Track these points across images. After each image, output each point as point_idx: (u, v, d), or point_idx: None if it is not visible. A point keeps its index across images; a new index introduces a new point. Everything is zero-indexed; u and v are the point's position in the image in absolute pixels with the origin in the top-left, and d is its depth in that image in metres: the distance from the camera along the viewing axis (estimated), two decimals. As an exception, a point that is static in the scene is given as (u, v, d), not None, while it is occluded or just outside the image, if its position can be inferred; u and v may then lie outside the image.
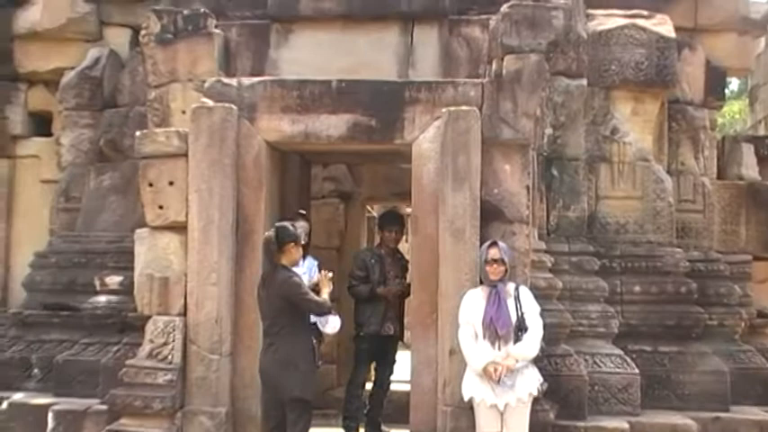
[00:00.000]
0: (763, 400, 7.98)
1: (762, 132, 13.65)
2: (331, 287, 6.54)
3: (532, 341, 6.32)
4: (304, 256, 7.07)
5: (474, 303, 6.43)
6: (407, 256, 7.87)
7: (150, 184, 7.02)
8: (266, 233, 6.47)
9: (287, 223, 6.56)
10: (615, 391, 7.39)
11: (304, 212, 7.89)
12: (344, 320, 7.07)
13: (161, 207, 6.99)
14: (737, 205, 8.84)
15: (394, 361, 8.15)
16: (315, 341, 6.46)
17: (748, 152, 9.20)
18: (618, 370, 7.45)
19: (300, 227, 6.82)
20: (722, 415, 7.53)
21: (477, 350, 6.22)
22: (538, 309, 6.49)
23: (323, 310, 6.39)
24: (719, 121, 26.47)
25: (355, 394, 7.93)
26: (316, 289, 6.45)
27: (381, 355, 8.04)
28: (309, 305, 6.27)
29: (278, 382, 6.31)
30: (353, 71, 7.47)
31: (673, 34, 8.30)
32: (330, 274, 6.58)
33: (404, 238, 8.57)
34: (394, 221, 8.18)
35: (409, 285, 7.81)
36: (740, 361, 8.09)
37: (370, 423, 7.94)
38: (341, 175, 10.19)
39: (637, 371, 7.46)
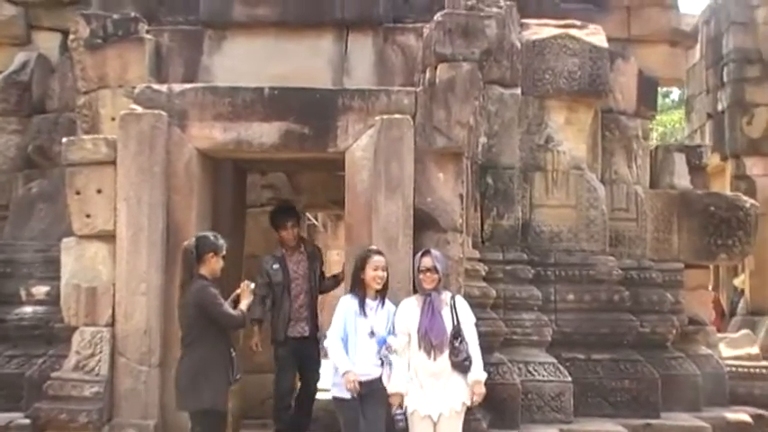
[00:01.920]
0: (693, 405, 8.09)
1: (698, 142, 13.93)
2: (251, 298, 6.45)
3: (479, 357, 6.33)
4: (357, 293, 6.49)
5: (409, 313, 6.40)
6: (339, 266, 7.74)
7: (77, 192, 6.88)
8: (186, 242, 6.38)
9: (209, 233, 6.48)
10: (548, 398, 7.43)
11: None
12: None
13: (88, 216, 6.85)
14: (670, 214, 8.93)
15: (317, 363, 7.78)
16: (233, 353, 6.38)
17: (680, 161, 9.31)
18: (551, 378, 7.49)
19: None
20: (653, 421, 7.62)
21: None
22: (473, 319, 6.49)
23: (234, 323, 6.30)
24: (660, 130, 27.08)
25: (282, 405, 7.60)
26: (238, 300, 6.36)
27: (301, 360, 7.65)
28: (221, 317, 6.18)
29: (187, 393, 6.23)
30: (288, 78, 7.40)
31: (605, 44, 8.39)
32: (252, 285, 6.51)
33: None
34: (287, 216, 7.77)
35: (323, 276, 7.89)
36: (671, 368, 8.18)
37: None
38: (279, 182, 10.08)
39: (569, 379, 7.50)
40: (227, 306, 6.21)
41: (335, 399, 6.45)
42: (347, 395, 6.29)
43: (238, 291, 6.40)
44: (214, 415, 6.20)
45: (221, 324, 6.19)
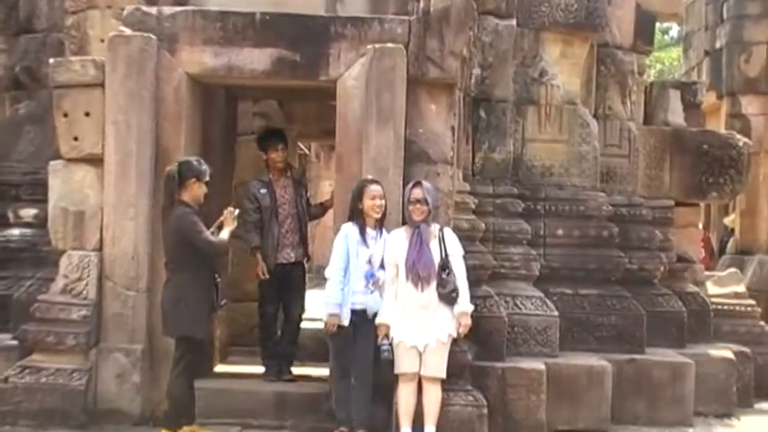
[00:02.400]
0: (678, 342, 8.15)
1: (695, 79, 13.80)
2: (234, 225, 6.44)
3: (466, 289, 6.38)
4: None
5: (397, 244, 6.42)
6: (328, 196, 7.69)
7: (65, 115, 6.82)
8: (168, 167, 6.34)
9: (192, 158, 6.43)
10: (534, 332, 7.47)
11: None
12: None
13: (76, 139, 6.81)
14: (662, 151, 8.87)
15: (301, 290, 7.72)
16: (217, 279, 6.39)
17: (675, 98, 9.22)
18: (538, 312, 7.52)
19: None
20: (637, 357, 7.67)
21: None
22: (461, 252, 6.52)
23: (215, 250, 6.29)
24: (657, 67, 26.86)
25: (268, 335, 7.61)
26: (222, 227, 6.35)
27: (286, 286, 7.58)
28: (201, 244, 6.17)
29: (168, 319, 6.29)
30: (280, 4, 7.24)
31: (603, -24, 8.24)
32: (236, 212, 6.49)
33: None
34: (277, 139, 7.70)
35: (309, 203, 7.86)
36: (658, 304, 8.22)
37: (282, 363, 7.53)
38: (271, 111, 10.00)
39: (556, 313, 7.54)
40: (207, 233, 6.20)
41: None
42: (341, 322, 6.33)
43: (222, 218, 6.39)
44: (194, 342, 6.25)
45: (202, 251, 6.19)
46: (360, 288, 6.36)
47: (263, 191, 7.50)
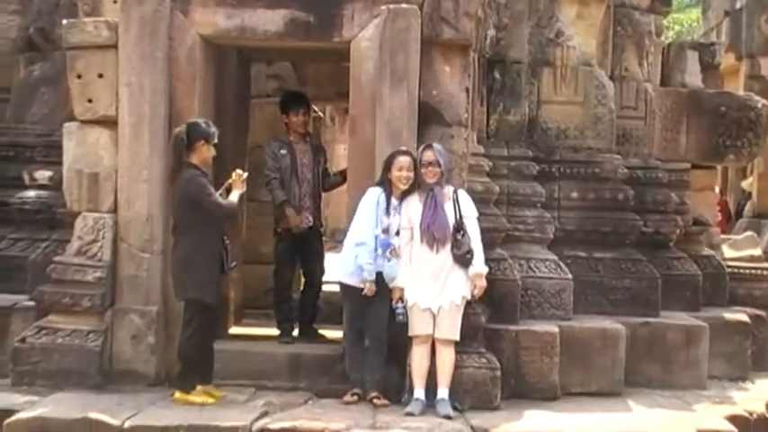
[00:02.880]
0: (692, 305, 8.13)
1: (714, 40, 13.65)
2: (243, 188, 6.45)
3: (480, 251, 6.39)
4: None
5: (411, 207, 6.42)
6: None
7: (78, 76, 6.80)
8: (176, 129, 6.34)
9: (200, 120, 6.43)
10: (548, 295, 7.45)
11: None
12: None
13: (90, 100, 6.79)
14: (679, 113, 8.78)
15: (320, 254, 7.74)
16: (226, 242, 6.41)
17: (693, 59, 9.13)
18: (551, 275, 7.50)
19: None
20: (651, 320, 7.65)
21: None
22: (476, 214, 6.51)
23: (223, 213, 6.30)
24: (676, 29, 26.56)
25: (283, 298, 7.61)
26: (230, 189, 6.36)
27: (304, 251, 7.60)
28: (210, 207, 6.18)
29: (176, 281, 6.34)
30: (294, -37, 7.21)
31: (621, -67, 8.13)
32: (245, 175, 6.48)
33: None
34: (299, 103, 7.67)
35: (328, 172, 7.84)
36: (673, 267, 8.19)
37: (303, 327, 7.61)
38: (285, 73, 9.96)
39: (570, 276, 7.51)
40: (216, 196, 6.20)
41: (344, 286, 6.55)
42: (358, 283, 6.35)
43: (230, 180, 6.39)
44: (202, 305, 6.29)
45: (210, 214, 6.19)
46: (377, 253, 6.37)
47: (284, 151, 7.47)
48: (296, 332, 7.60)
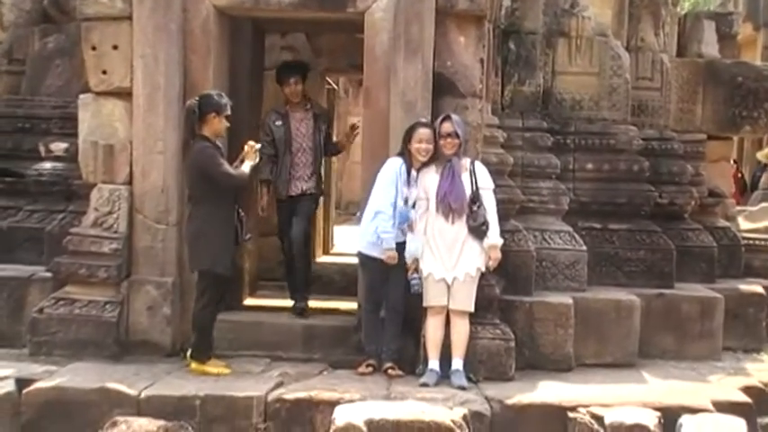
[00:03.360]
0: (707, 277, 8.11)
1: (731, 9, 13.51)
2: (256, 160, 6.48)
3: (496, 223, 6.41)
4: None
5: (428, 178, 6.43)
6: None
7: (93, 48, 6.82)
8: (188, 101, 6.35)
9: (213, 92, 6.45)
10: (562, 267, 7.44)
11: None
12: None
13: (105, 72, 6.81)
14: (695, 83, 8.72)
15: (305, 215, 7.55)
16: (240, 213, 6.43)
17: (709, 29, 9.04)
18: (566, 246, 7.49)
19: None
20: (666, 291, 7.63)
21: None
22: (492, 185, 6.51)
23: (234, 183, 6.32)
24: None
25: (290, 268, 7.59)
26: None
27: (293, 213, 7.49)
28: (220, 177, 6.22)
29: (189, 252, 6.40)
30: (308, -67, 7.17)
31: None
32: (258, 146, 6.49)
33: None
34: (290, 72, 7.57)
35: (330, 138, 7.78)
36: (688, 239, 8.16)
37: (294, 293, 7.52)
38: (299, 44, 9.94)
39: (584, 248, 7.51)
40: (226, 166, 6.24)
41: (363, 256, 6.57)
42: (377, 254, 6.36)
43: (244, 152, 6.41)
44: (214, 275, 6.34)
45: (221, 184, 6.22)
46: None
47: (279, 123, 7.46)
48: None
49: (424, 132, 6.37)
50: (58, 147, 7.79)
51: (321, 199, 8.05)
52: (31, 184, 7.87)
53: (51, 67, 8.41)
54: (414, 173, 6.44)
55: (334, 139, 8.26)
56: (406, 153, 6.43)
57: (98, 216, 6.81)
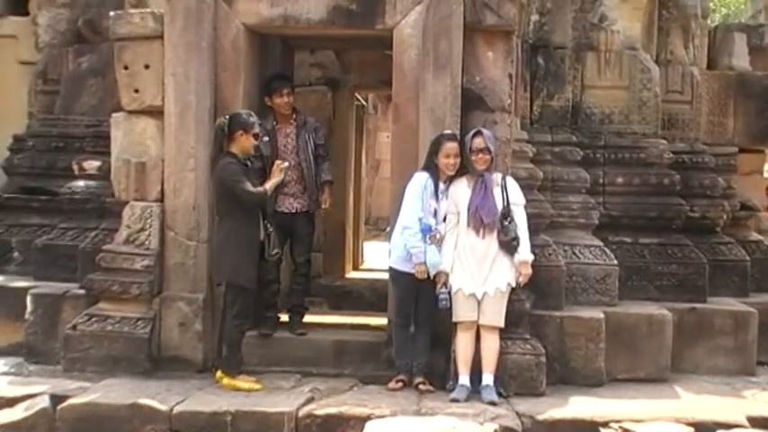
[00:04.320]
0: (740, 291, 8.03)
1: (762, 21, 13.40)
2: (281, 178, 6.57)
3: (527, 238, 6.42)
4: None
5: (459, 192, 6.45)
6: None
7: (125, 67, 6.91)
8: (218, 119, 6.45)
9: (243, 111, 6.56)
10: (593, 281, 7.41)
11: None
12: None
13: (137, 91, 6.89)
14: (726, 96, 8.69)
15: (305, 238, 7.36)
16: (268, 229, 6.48)
17: (740, 42, 9.00)
18: (597, 261, 7.45)
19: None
20: (698, 305, 7.57)
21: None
22: (523, 201, 6.52)
23: (253, 200, 6.38)
24: (723, 11, 26.14)
25: (263, 284, 7.00)
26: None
27: (291, 236, 7.26)
28: (240, 194, 6.31)
29: (215, 265, 6.54)
30: (336, -48, 7.23)
31: None
32: (285, 164, 6.56)
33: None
34: (281, 84, 7.23)
35: (323, 151, 7.43)
36: (720, 253, 8.09)
37: (289, 316, 7.34)
38: (328, 61, 10.02)
39: (615, 262, 7.47)
40: (247, 183, 6.30)
41: (394, 271, 6.59)
42: (408, 269, 6.38)
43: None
44: (239, 288, 6.41)
45: (243, 200, 6.32)
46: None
47: (265, 138, 7.06)
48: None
49: (451, 146, 6.40)
50: (91, 165, 7.88)
51: (357, 216, 7.63)
52: (65, 202, 7.97)
53: (85, 86, 8.53)
54: (441, 185, 6.45)
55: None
56: (432, 166, 6.45)
57: (130, 233, 6.88)
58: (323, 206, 7.47)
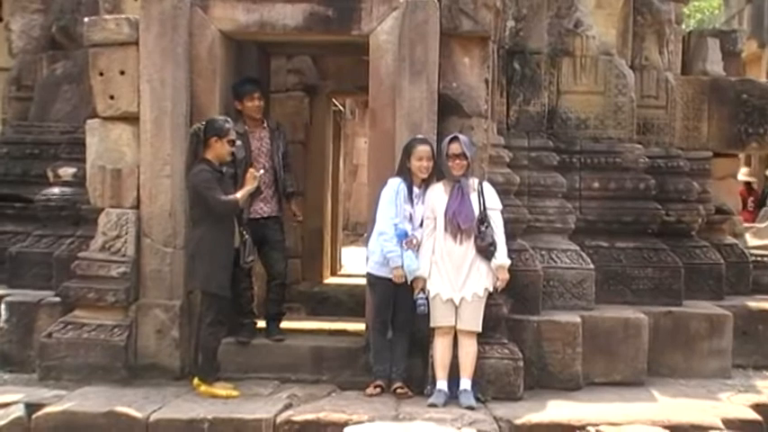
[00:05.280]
0: (715, 294, 8.09)
1: (736, 27, 13.54)
2: (254, 186, 6.54)
3: (504, 243, 6.45)
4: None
5: (436, 198, 6.45)
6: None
7: (101, 74, 6.87)
8: (193, 126, 6.44)
9: (219, 117, 6.55)
10: (570, 286, 7.44)
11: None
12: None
13: (112, 97, 6.86)
14: (700, 101, 8.75)
15: (280, 244, 7.30)
16: (244, 236, 6.47)
17: (714, 47, 9.07)
18: (573, 265, 7.49)
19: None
20: (674, 309, 7.62)
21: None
22: (500, 206, 6.54)
23: (224, 208, 6.37)
24: (697, 17, 26.36)
25: (237, 292, 6.91)
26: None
27: (263, 242, 7.11)
28: (212, 201, 6.31)
29: (189, 272, 6.54)
30: (311, -42, 7.23)
31: None
32: (260, 173, 6.55)
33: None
34: (253, 87, 7.12)
35: (288, 155, 7.40)
36: (696, 256, 8.15)
37: (267, 323, 7.26)
38: (305, 67, 10.03)
39: (592, 266, 7.50)
40: (218, 191, 6.30)
41: (372, 277, 6.59)
42: (385, 274, 6.38)
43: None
44: (213, 296, 6.42)
45: (213, 207, 6.31)
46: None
47: (238, 143, 6.92)
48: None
49: (423, 149, 6.41)
50: (66, 172, 7.83)
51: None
52: (40, 210, 7.91)
53: (59, 93, 8.48)
54: (416, 189, 6.47)
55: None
56: (405, 171, 6.46)
57: (106, 240, 6.84)
58: (297, 218, 7.47)
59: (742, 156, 11.74)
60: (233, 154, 6.78)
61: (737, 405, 6.61)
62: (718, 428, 5.90)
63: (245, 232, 6.52)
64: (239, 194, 6.45)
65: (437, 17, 6.64)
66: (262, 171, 6.56)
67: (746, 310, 8.00)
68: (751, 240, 9.52)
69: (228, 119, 6.52)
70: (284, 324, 7.50)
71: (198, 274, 6.42)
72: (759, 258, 9.06)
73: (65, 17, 8.63)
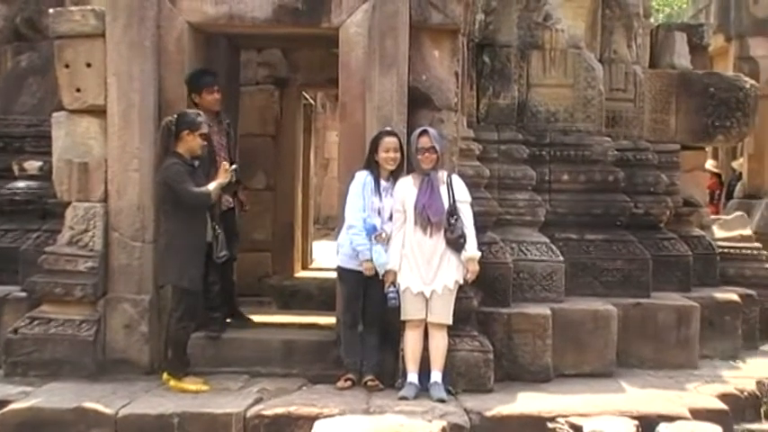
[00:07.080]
0: (683, 286, 8.15)
1: (703, 21, 13.61)
2: (226, 179, 6.50)
3: (473, 236, 6.46)
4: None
5: (406, 191, 6.44)
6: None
7: (66, 66, 6.78)
8: (165, 119, 6.38)
9: (190, 111, 6.48)
10: (540, 278, 7.47)
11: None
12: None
13: (78, 90, 6.77)
14: (668, 94, 8.81)
15: (236, 236, 7.29)
16: (216, 230, 6.43)
17: (681, 41, 9.13)
18: (543, 257, 7.52)
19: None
20: (643, 301, 7.67)
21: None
22: (469, 199, 6.55)
23: (196, 201, 6.34)
24: (666, 11, 26.54)
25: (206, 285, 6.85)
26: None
27: (227, 233, 6.89)
28: (183, 194, 6.26)
29: (159, 267, 6.49)
30: (280, -50, 7.19)
31: None
32: (234, 167, 6.52)
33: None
34: (210, 78, 6.96)
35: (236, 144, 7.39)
36: (664, 248, 8.20)
37: (233, 312, 7.38)
38: (276, 60, 9.98)
39: (561, 258, 7.54)
40: (190, 184, 6.25)
41: (342, 270, 6.58)
42: (355, 267, 6.37)
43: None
44: (183, 290, 6.38)
45: (185, 200, 6.27)
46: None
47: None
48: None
49: (390, 141, 6.41)
50: (32, 165, 7.75)
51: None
52: (5, 204, 7.82)
53: (24, 85, 8.38)
54: (383, 182, 6.46)
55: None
56: (373, 164, 6.46)
57: (73, 234, 6.77)
58: (245, 208, 7.44)
59: (709, 148, 11.85)
60: (204, 149, 6.72)
61: (704, 395, 6.68)
62: (686, 418, 5.95)
63: (217, 227, 6.48)
64: (211, 187, 6.40)
65: (407, 10, 6.63)
66: (235, 165, 6.50)
67: (713, 302, 8.06)
68: (718, 232, 9.60)
69: (200, 113, 6.47)
70: (255, 318, 7.50)
71: (169, 270, 6.37)
72: (726, 250, 9.14)
73: (29, 8, 8.53)
